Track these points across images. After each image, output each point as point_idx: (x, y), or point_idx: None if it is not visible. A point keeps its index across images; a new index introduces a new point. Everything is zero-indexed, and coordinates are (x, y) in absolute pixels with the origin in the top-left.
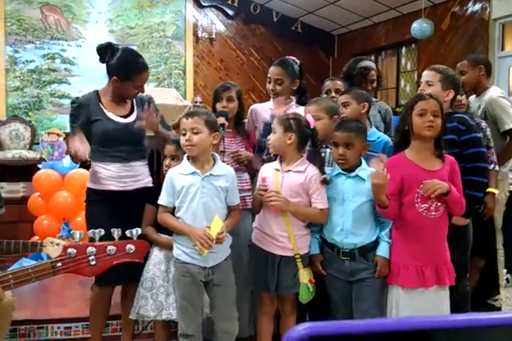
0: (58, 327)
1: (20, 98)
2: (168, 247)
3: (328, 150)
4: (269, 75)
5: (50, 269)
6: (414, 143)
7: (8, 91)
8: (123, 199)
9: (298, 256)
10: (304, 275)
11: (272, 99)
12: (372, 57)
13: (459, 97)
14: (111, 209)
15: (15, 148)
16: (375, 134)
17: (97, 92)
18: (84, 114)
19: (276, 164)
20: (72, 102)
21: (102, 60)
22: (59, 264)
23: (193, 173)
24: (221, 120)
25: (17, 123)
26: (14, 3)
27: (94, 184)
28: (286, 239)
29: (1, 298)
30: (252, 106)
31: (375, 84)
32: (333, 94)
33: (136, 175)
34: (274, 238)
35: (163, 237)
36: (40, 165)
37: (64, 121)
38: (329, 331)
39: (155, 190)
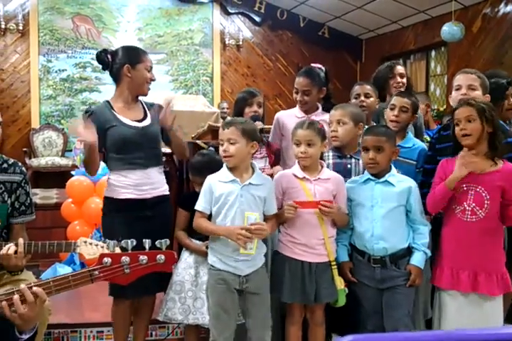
0: (91, 331)
1: (53, 106)
2: (199, 252)
3: (353, 160)
4: (296, 86)
5: (88, 277)
6: (465, 148)
7: (41, 99)
8: (141, 208)
9: (334, 263)
10: (340, 281)
11: (298, 107)
12: (401, 61)
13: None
14: (129, 219)
15: (48, 155)
16: (411, 141)
17: (107, 101)
18: (97, 122)
19: (298, 172)
20: (85, 112)
21: (105, 67)
22: (96, 272)
23: (232, 181)
24: (259, 124)
25: (50, 131)
26: (47, 14)
27: (111, 193)
28: (321, 245)
29: (44, 300)
30: (277, 114)
31: (402, 88)
32: (363, 98)
33: (153, 182)
34: (310, 246)
35: (194, 242)
36: (73, 172)
37: None
38: None
39: (188, 196)
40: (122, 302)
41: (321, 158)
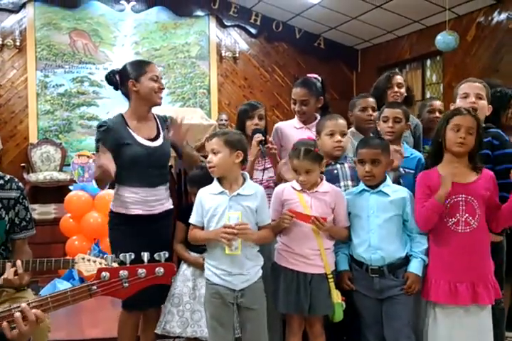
0: None
1: (51, 121)
2: (196, 265)
3: (338, 165)
4: (293, 97)
5: (86, 292)
6: (447, 157)
7: (39, 114)
8: (148, 223)
9: (331, 276)
10: (337, 295)
11: (296, 117)
12: (397, 70)
13: None
14: (136, 233)
15: (46, 169)
16: (408, 150)
17: (122, 115)
18: (112, 138)
19: (296, 185)
20: (100, 126)
21: (115, 87)
22: (94, 287)
23: (221, 193)
24: (259, 137)
25: (48, 146)
26: (44, 29)
27: (120, 208)
28: (317, 256)
29: (43, 320)
30: (276, 125)
31: (399, 98)
32: (371, 112)
33: (161, 198)
34: (305, 256)
35: (192, 255)
36: (71, 187)
37: (93, 142)
38: None
39: (186, 209)
40: (131, 315)
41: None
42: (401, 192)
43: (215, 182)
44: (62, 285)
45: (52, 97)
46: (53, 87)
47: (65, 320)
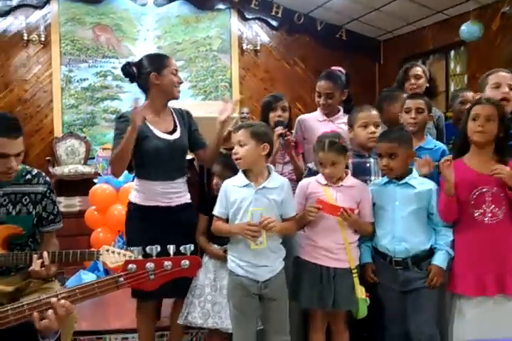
0: (116, 338)
1: (76, 115)
2: (218, 257)
3: (372, 160)
4: (318, 89)
5: (113, 284)
6: (472, 148)
7: (64, 109)
8: (166, 215)
9: (355, 271)
10: (362, 291)
11: (319, 110)
12: (420, 62)
13: None
14: (154, 225)
15: (71, 163)
16: (432, 142)
17: None
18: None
19: (321, 179)
20: (119, 117)
21: (132, 79)
22: (121, 279)
23: (247, 186)
24: (279, 130)
25: (72, 140)
26: (68, 24)
27: (138, 199)
28: (341, 250)
29: (72, 312)
30: (299, 117)
31: (419, 89)
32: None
33: (179, 191)
34: (329, 250)
35: (213, 247)
36: (95, 180)
37: None
38: None
39: (208, 201)
40: (145, 307)
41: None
42: (427, 184)
43: (241, 175)
44: (88, 276)
45: (76, 92)
46: (77, 81)
47: (89, 311)
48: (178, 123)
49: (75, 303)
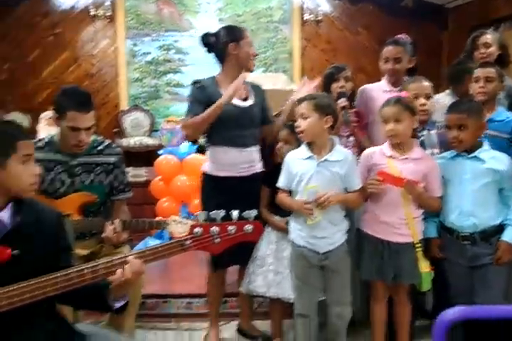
0: (181, 302)
1: (140, 88)
2: (280, 228)
3: (425, 132)
4: (385, 55)
5: (180, 246)
6: None
7: (129, 82)
8: (238, 185)
9: (419, 245)
10: (425, 264)
11: (385, 79)
12: (491, 30)
13: None
14: (226, 195)
15: (136, 135)
16: (503, 114)
17: (214, 77)
18: (205, 96)
19: (386, 150)
20: (194, 83)
21: (210, 49)
22: (188, 242)
23: (309, 158)
24: (343, 102)
25: (137, 112)
26: None
27: (211, 169)
28: (404, 225)
29: (144, 272)
30: (362, 87)
31: (489, 58)
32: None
33: (251, 160)
34: (392, 225)
35: (276, 218)
36: (160, 151)
37: (179, 109)
38: (483, 315)
39: (271, 173)
40: (218, 274)
41: (414, 136)
42: (499, 157)
43: (304, 147)
44: (154, 243)
45: (140, 65)
46: (141, 55)
47: (156, 276)
48: (250, 93)
49: (147, 263)
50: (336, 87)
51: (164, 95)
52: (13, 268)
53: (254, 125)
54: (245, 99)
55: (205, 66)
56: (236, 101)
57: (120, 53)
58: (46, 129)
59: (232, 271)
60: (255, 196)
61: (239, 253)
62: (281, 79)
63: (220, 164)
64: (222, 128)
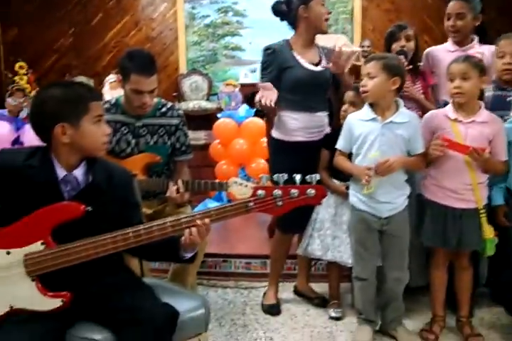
0: (240, 262)
1: (199, 52)
2: (338, 193)
3: None
4: (448, 11)
5: (243, 208)
6: None
7: (188, 46)
8: (307, 150)
9: (483, 211)
10: (490, 230)
11: (450, 39)
12: None
13: None
14: (295, 159)
15: (195, 99)
16: None
17: (287, 41)
18: (277, 61)
19: (450, 112)
20: (266, 49)
21: (283, 17)
22: (251, 204)
23: (373, 120)
24: (401, 59)
25: (196, 76)
26: None
27: (280, 134)
28: (468, 191)
29: (210, 229)
30: (427, 50)
31: None
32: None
33: (321, 125)
34: (455, 191)
35: (335, 182)
36: (219, 115)
37: (236, 72)
38: None
39: (331, 135)
40: (285, 237)
41: (481, 98)
42: None
43: (367, 108)
44: (213, 205)
45: (199, 28)
46: (200, 18)
47: (217, 236)
48: (323, 58)
49: (212, 223)
50: (395, 46)
51: (222, 58)
52: (87, 223)
53: (324, 90)
54: (317, 64)
55: (263, 28)
56: (307, 66)
57: (179, 16)
58: (110, 93)
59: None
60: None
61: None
62: (341, 41)
63: (289, 129)
64: (292, 92)
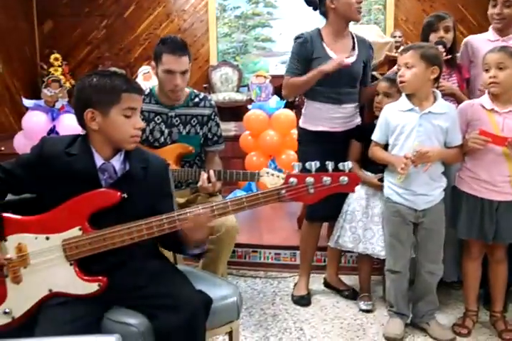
0: (269, 253)
1: (229, 43)
2: (371, 184)
3: None
4: None
5: (275, 195)
6: None
7: (218, 37)
8: (333, 140)
9: None
10: None
11: (491, 28)
12: None
13: None
14: (321, 149)
15: (225, 90)
16: None
17: (319, 30)
18: (306, 50)
19: (486, 102)
20: (297, 37)
21: (315, 7)
22: (283, 191)
23: (411, 110)
24: (439, 49)
25: (226, 68)
26: None
27: (305, 124)
28: (506, 183)
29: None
30: (466, 39)
31: None
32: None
33: (347, 116)
34: (492, 183)
35: (367, 174)
36: (249, 106)
37: (267, 64)
38: None
39: (362, 127)
40: (313, 226)
41: None
42: None
43: (404, 99)
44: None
45: (230, 20)
46: (231, 9)
47: (247, 226)
48: (356, 49)
49: (242, 211)
50: (434, 37)
51: (252, 50)
52: (123, 210)
53: (352, 83)
54: (347, 56)
55: (293, 19)
56: (336, 57)
57: (210, 8)
58: (143, 84)
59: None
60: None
61: (333, 208)
62: (373, 32)
63: (313, 118)
64: (319, 84)
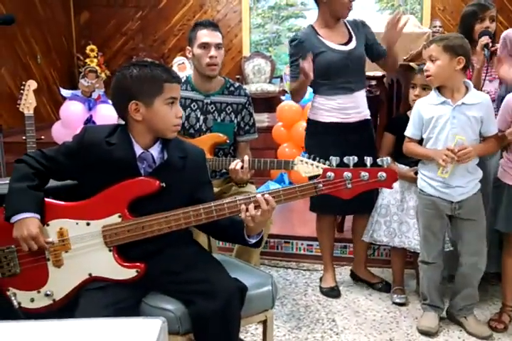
0: (302, 244)
1: (262, 34)
2: (405, 178)
3: None
4: None
5: (313, 189)
6: None
7: (251, 28)
8: (344, 131)
9: None
10: None
11: None
12: None
13: None
14: (332, 141)
15: (257, 81)
16: None
17: (311, 26)
18: (305, 51)
19: None
20: (292, 40)
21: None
22: (320, 185)
23: (443, 103)
24: (485, 39)
25: (259, 59)
26: None
27: (315, 116)
28: None
29: (274, 207)
30: (505, 32)
31: None
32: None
33: (358, 106)
34: None
35: (400, 167)
36: (283, 97)
37: None
38: None
39: (396, 120)
40: (324, 219)
41: None
42: None
43: (434, 92)
44: (275, 186)
45: (263, 11)
46: (264, 0)
47: (279, 218)
48: (353, 34)
49: (279, 203)
50: (479, 27)
51: (285, 41)
52: (161, 198)
53: (359, 68)
54: (347, 43)
55: None
56: (337, 47)
57: None
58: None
59: (349, 218)
60: (365, 143)
61: (359, 202)
62: (410, 22)
63: (323, 110)
64: (327, 75)
